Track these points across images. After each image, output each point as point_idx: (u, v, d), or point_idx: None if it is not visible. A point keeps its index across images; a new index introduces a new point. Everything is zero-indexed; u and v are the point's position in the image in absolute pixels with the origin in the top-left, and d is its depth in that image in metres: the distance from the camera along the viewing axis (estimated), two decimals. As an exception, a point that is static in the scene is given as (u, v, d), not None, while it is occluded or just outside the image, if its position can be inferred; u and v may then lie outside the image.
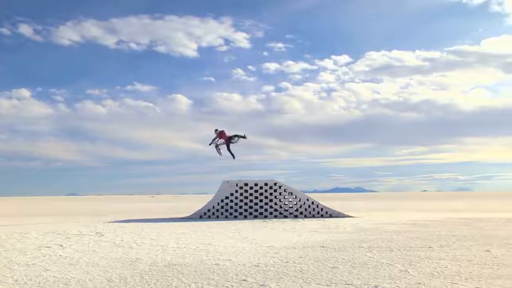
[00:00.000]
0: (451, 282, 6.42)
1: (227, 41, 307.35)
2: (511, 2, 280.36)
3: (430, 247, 10.13)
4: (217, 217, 21.59)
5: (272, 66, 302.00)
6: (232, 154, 22.70)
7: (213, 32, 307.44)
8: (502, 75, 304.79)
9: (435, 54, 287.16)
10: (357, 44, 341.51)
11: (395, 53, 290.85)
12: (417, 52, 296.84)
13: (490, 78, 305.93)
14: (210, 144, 22.71)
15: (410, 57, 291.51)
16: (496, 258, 8.58)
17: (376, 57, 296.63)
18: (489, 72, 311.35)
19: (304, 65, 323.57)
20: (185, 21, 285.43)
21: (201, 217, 21.75)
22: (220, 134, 22.76)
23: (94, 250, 10.36)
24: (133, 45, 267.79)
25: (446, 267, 7.61)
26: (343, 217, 21.27)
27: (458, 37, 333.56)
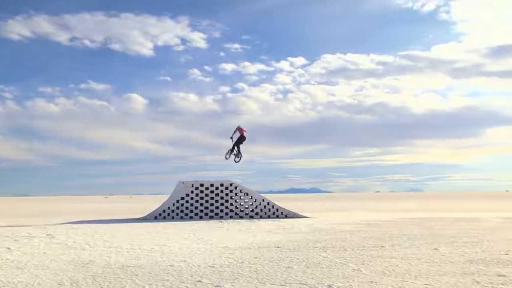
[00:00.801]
0: (401, 280, 6.59)
1: (183, 41, 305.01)
2: (457, 11, 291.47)
3: (382, 247, 10.37)
4: (173, 217, 21.38)
5: (229, 67, 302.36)
6: (239, 152, 22.18)
7: (170, 31, 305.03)
8: (451, 80, 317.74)
9: (388, 58, 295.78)
10: (313, 46, 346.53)
11: (350, 56, 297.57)
12: (371, 55, 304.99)
13: (439, 82, 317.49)
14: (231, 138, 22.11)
15: (364, 61, 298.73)
16: (443, 255, 8.87)
17: (332, 60, 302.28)
18: (439, 77, 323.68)
19: (260, 66, 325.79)
20: (141, 20, 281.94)
21: (156, 218, 21.47)
22: (240, 129, 22.31)
23: (44, 253, 10.04)
24: (87, 42, 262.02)
25: (397, 266, 7.81)
26: (298, 217, 21.48)
27: (410, 42, 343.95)
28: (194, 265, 8.11)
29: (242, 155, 22.22)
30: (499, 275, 6.89)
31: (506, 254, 9.05)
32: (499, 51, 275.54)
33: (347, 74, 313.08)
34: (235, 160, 22.16)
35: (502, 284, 6.31)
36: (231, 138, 22.23)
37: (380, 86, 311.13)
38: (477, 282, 6.41)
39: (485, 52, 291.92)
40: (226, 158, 22.36)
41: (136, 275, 7.22)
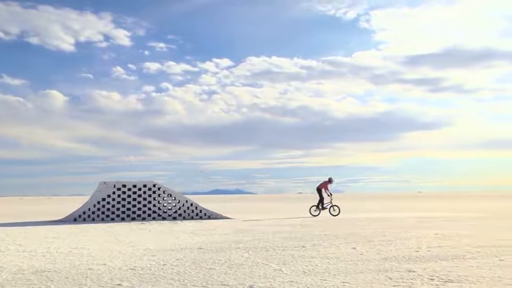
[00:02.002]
0: (320, 279, 6.81)
1: (106, 38, 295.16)
2: (376, 20, 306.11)
3: (303, 247, 10.64)
4: (93, 219, 20.69)
5: (153, 66, 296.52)
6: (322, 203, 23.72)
7: (92, 27, 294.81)
8: (370, 86, 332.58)
9: (312, 62, 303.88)
10: (239, 48, 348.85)
11: (275, 59, 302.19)
12: (295, 60, 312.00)
13: (360, 88, 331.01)
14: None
15: (289, 64, 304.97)
16: (360, 254, 9.26)
17: (257, 63, 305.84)
18: (359, 83, 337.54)
19: (185, 66, 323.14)
20: (62, 13, 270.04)
21: (75, 220, 20.68)
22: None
23: (-51, 258, 9.36)
24: (0, 34, 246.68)
25: (317, 265, 8.05)
26: (221, 218, 21.54)
27: (332, 48, 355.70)
28: (114, 268, 7.90)
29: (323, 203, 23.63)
30: (410, 271, 7.32)
31: (416, 251, 9.60)
32: (414, 60, 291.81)
33: (271, 77, 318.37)
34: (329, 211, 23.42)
35: (411, 279, 6.70)
36: (318, 190, 23.58)
37: (303, 89, 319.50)
38: (390, 278, 6.76)
39: (401, 61, 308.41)
40: (314, 216, 23.31)
41: (52, 280, 6.91)
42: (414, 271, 7.30)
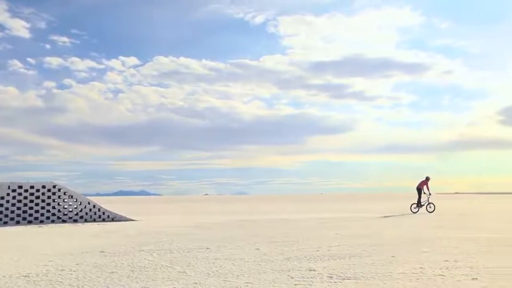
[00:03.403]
0: (224, 280, 6.86)
1: (2, 27, 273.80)
2: (283, 26, 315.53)
3: (208, 248, 10.64)
4: (-17, 223, 19.19)
5: (55, 61, 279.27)
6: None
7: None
8: (276, 90, 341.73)
9: (220, 65, 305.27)
10: (146, 47, 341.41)
11: (183, 60, 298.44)
12: (204, 61, 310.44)
13: (266, 91, 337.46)
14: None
15: (197, 65, 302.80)
16: (264, 255, 9.45)
17: (164, 62, 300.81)
18: (266, 86, 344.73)
19: (90, 63, 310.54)
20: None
21: (-39, 224, 19.06)
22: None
23: None
24: None
25: (221, 266, 8.09)
26: (125, 220, 20.96)
27: (241, 51, 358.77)
28: (5, 276, 7.38)
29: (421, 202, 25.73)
30: (310, 270, 7.60)
31: (317, 251, 9.99)
32: (318, 67, 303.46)
33: (179, 77, 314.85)
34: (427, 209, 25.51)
35: (311, 277, 6.97)
36: (418, 189, 25.56)
37: (211, 91, 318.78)
38: (291, 278, 6.97)
39: (307, 66, 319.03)
40: (414, 212, 25.35)
41: None
42: (314, 270, 7.58)
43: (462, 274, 7.12)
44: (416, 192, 25.66)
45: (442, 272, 7.33)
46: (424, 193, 25.36)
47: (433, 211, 25.19)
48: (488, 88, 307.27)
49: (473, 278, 6.81)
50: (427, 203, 25.50)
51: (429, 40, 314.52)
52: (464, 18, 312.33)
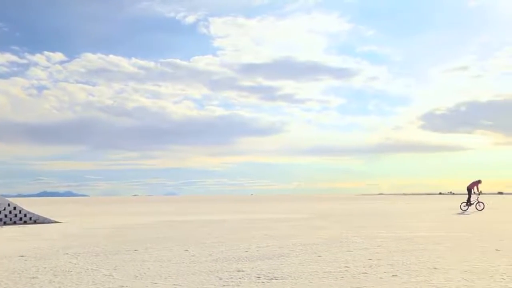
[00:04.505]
0: (151, 282, 6.77)
1: None
2: (214, 27, 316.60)
3: (136, 250, 10.45)
4: None
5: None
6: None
7: None
8: (207, 91, 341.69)
9: (150, 64, 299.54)
10: (73, 43, 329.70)
11: (112, 58, 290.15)
12: (133, 59, 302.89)
13: (197, 92, 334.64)
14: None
15: (126, 64, 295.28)
16: (193, 256, 9.42)
17: (93, 60, 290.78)
18: (197, 87, 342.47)
19: (12, 57, 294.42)
20: None
21: None
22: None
23: None
24: None
25: (149, 268, 7.98)
26: (49, 222, 20.09)
27: (171, 50, 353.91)
28: None
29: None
30: (239, 271, 7.66)
31: (246, 251, 10.08)
32: (249, 69, 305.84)
33: (108, 75, 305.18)
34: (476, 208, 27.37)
35: (240, 278, 7.04)
36: (468, 189, 27.51)
37: (141, 90, 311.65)
38: (220, 278, 7.00)
39: (238, 68, 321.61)
40: (464, 211, 27.16)
41: None
42: (243, 271, 7.66)
43: (384, 272, 7.46)
44: (466, 192, 27.99)
45: (366, 270, 7.65)
46: (474, 193, 27.35)
47: (482, 209, 27.07)
48: (410, 95, 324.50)
49: (393, 275, 7.15)
50: (477, 202, 27.41)
51: (356, 47, 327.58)
52: (388, 27, 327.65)
